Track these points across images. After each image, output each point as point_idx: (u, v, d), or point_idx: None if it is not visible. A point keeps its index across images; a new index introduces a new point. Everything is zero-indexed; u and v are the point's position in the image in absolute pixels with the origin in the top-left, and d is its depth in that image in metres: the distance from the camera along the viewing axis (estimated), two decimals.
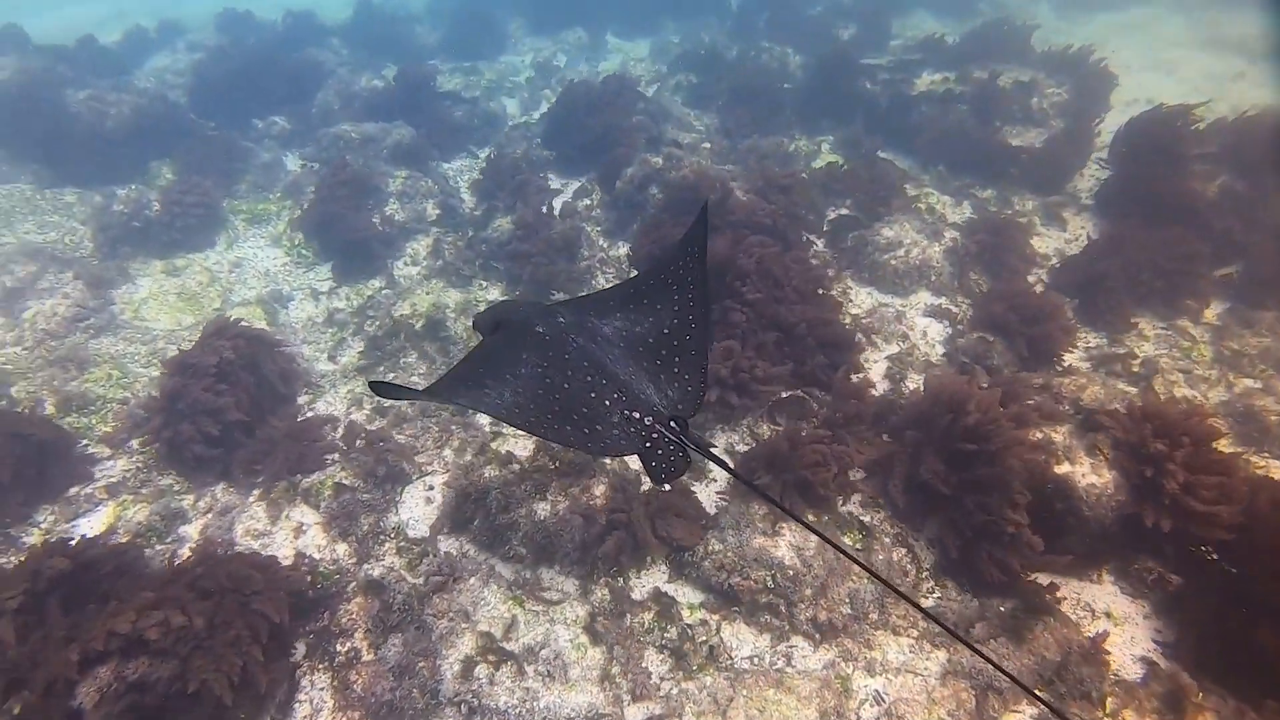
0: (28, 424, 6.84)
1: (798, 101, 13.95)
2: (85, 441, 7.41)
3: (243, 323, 8.02)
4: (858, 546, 5.96)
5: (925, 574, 5.93)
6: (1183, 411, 5.78)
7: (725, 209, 9.06)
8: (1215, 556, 5.32)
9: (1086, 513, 5.59)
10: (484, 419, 7.47)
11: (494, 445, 7.02)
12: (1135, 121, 10.33)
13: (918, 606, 2.61)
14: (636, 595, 5.94)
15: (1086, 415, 6.23)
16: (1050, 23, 18.47)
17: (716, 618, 5.78)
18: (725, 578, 5.82)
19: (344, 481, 6.75)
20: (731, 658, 5.54)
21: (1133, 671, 5.20)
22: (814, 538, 5.88)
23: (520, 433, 7.18)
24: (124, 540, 6.26)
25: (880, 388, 7.68)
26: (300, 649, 5.61)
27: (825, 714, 5.12)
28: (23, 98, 12.29)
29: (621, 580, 6.02)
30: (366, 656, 5.50)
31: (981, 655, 2.84)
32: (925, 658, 5.43)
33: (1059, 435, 6.08)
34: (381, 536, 6.46)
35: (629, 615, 5.77)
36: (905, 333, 8.33)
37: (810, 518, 6.05)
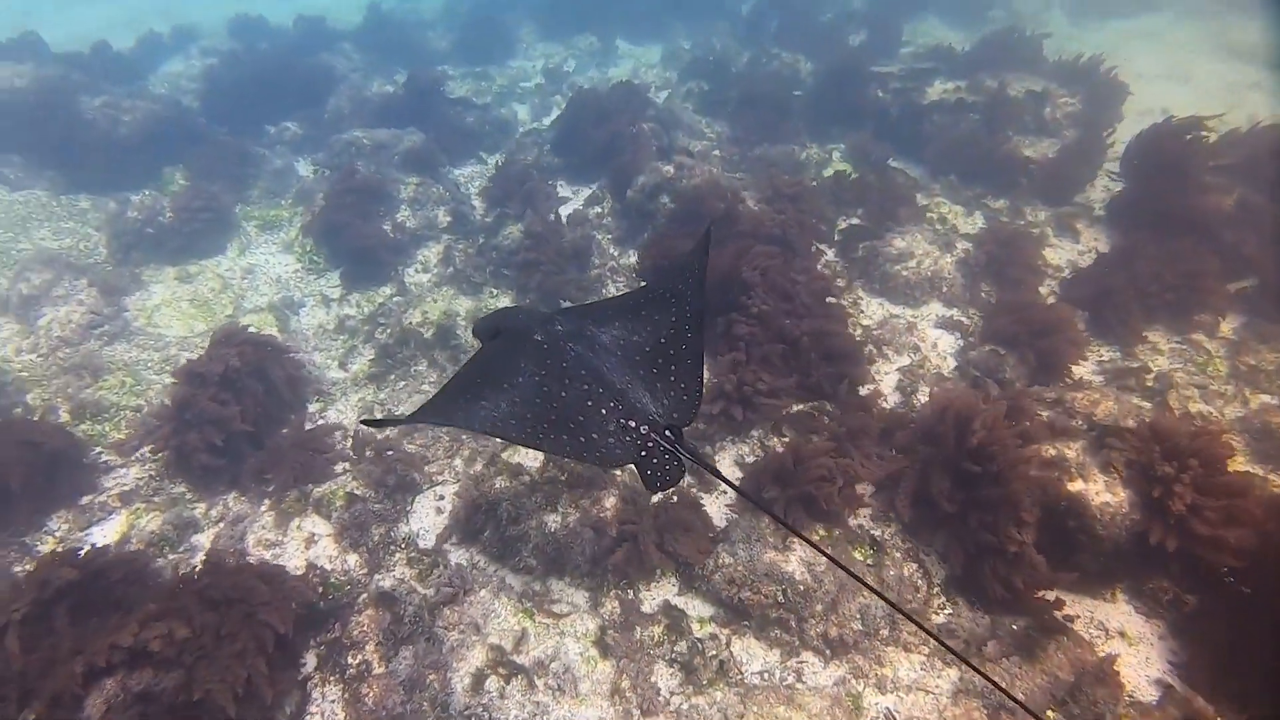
0: (38, 432, 6.86)
1: (809, 109, 13.94)
2: (99, 449, 7.45)
3: (251, 330, 8.07)
4: (869, 562, 5.94)
5: (936, 590, 5.89)
6: (1192, 432, 5.74)
7: (732, 219, 9.06)
8: (1231, 578, 5.27)
9: (1100, 531, 5.55)
10: None
11: (504, 456, 7.01)
12: (1147, 133, 10.25)
13: (921, 626, 2.60)
14: (646, 608, 5.94)
15: (1100, 431, 6.19)
16: (1063, 29, 18.46)
17: (726, 632, 5.77)
18: (735, 592, 5.81)
19: (355, 491, 6.76)
20: (742, 673, 5.53)
21: (1147, 694, 5.15)
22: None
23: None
24: (137, 549, 6.31)
25: (891, 400, 7.66)
26: (311, 661, 5.62)
27: None
28: (39, 105, 12.37)
29: (631, 593, 6.02)
30: (378, 669, 5.51)
31: (985, 678, 2.82)
32: (937, 675, 5.40)
33: (1072, 451, 6.04)
34: (392, 547, 6.48)
35: (639, 628, 5.76)
36: (917, 344, 8.30)
37: (821, 532, 6.03)
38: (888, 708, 5.26)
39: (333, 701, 5.40)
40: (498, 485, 6.66)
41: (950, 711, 5.17)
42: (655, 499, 6.43)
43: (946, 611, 5.79)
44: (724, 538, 6.13)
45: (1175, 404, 7.22)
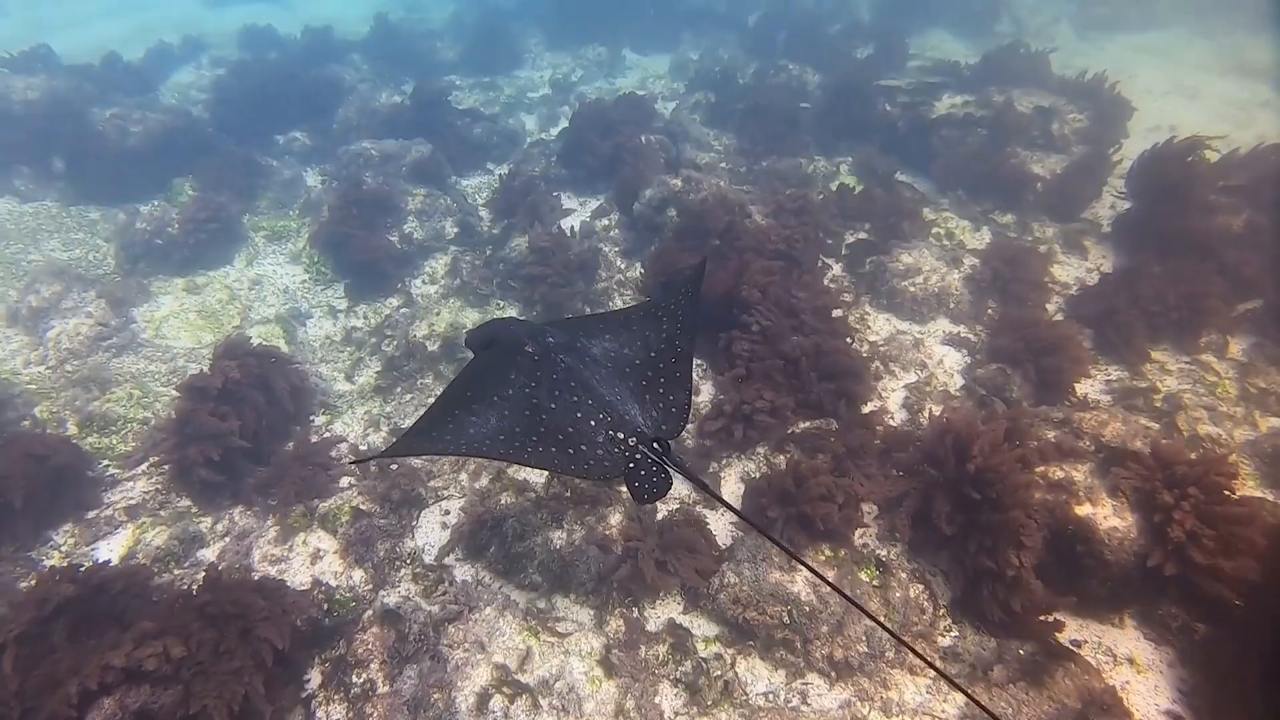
0: (43, 446, 6.85)
1: (816, 122, 13.94)
2: (105, 462, 7.47)
3: (255, 342, 8.08)
4: (874, 583, 5.92)
5: (943, 611, 5.87)
6: (1194, 459, 5.73)
7: (737, 234, 9.05)
8: (1238, 603, 5.24)
9: (1108, 556, 5.53)
10: None
11: (510, 472, 7.01)
12: (1150, 154, 10.21)
13: (920, 655, 2.59)
14: (651, 627, 5.93)
15: (1108, 453, 6.17)
16: (1070, 44, 18.47)
17: (731, 652, 5.75)
18: (741, 611, 5.79)
19: (361, 507, 6.76)
20: (746, 694, 5.50)
21: None
22: (830, 574, 5.87)
23: None
24: (141, 563, 6.31)
25: (898, 417, 7.64)
26: (316, 678, 5.62)
27: None
28: (49, 117, 12.44)
29: (636, 611, 6.00)
30: (382, 689, 5.51)
31: (983, 708, 2.81)
32: (943, 700, 5.37)
33: (1079, 474, 6.02)
34: (397, 562, 6.48)
35: (644, 647, 5.74)
36: (923, 361, 8.27)
37: (827, 552, 6.01)
38: None
39: None
40: (503, 501, 6.67)
41: None
42: (659, 516, 6.45)
43: (953, 634, 5.77)
44: (729, 556, 6.12)
45: (1184, 426, 7.19)
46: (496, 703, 5.40)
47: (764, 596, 5.76)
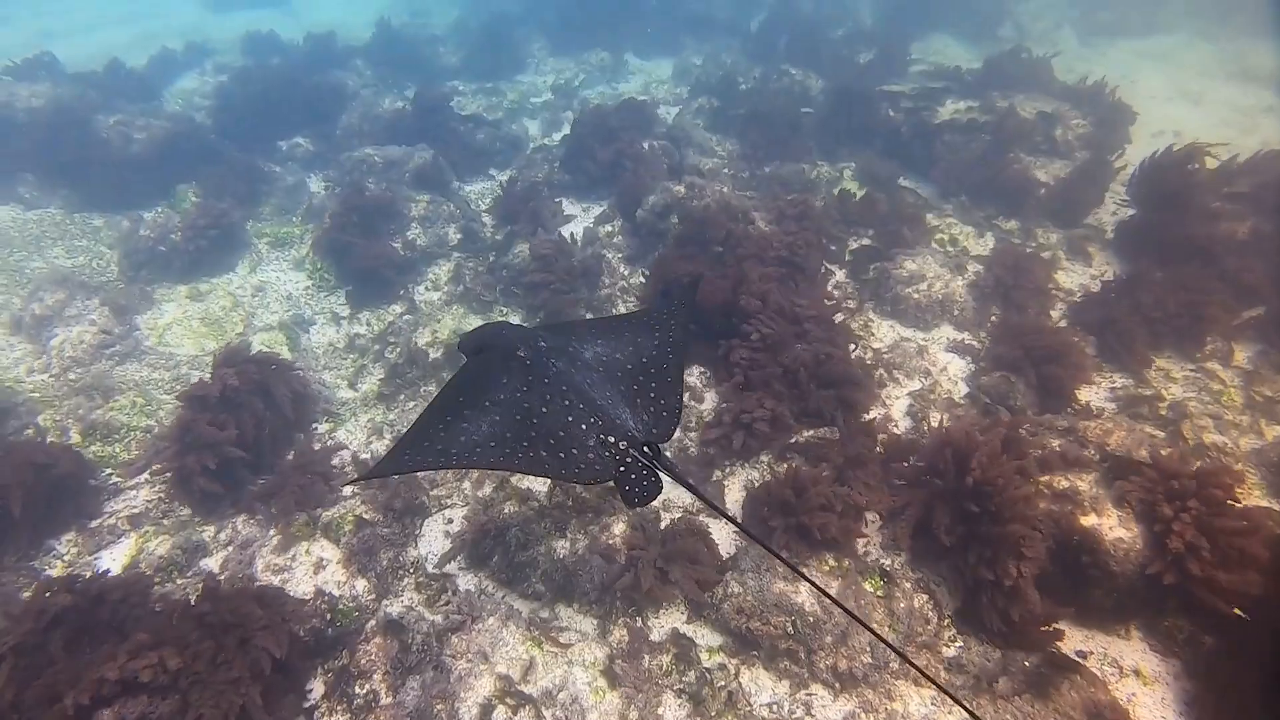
0: (44, 454, 6.84)
1: (820, 127, 13.92)
2: (109, 471, 7.46)
3: (255, 349, 8.06)
4: (879, 593, 5.89)
5: (947, 622, 5.84)
6: (1195, 471, 5.70)
7: (734, 242, 9.02)
8: (1238, 615, 5.20)
9: (1114, 567, 5.50)
10: None
11: (513, 480, 7.00)
12: (1152, 160, 10.17)
13: (916, 665, 2.57)
14: (655, 637, 5.90)
15: (1113, 463, 6.15)
16: (1073, 49, 18.48)
17: (735, 662, 5.73)
18: (744, 622, 5.76)
19: (364, 516, 6.75)
20: (750, 704, 5.48)
21: None
22: (835, 584, 5.85)
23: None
24: (145, 572, 6.30)
25: (902, 425, 7.62)
26: (319, 689, 5.61)
27: None
28: (53, 124, 12.45)
29: (640, 621, 5.98)
30: (385, 700, 5.49)
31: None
32: (948, 711, 5.34)
33: (1085, 484, 5.99)
34: (401, 571, 6.46)
35: (647, 657, 5.72)
36: (928, 368, 8.26)
37: (831, 562, 5.98)
38: None
39: None
40: (507, 510, 6.66)
41: None
42: (663, 525, 6.44)
43: (957, 645, 5.74)
44: (733, 566, 6.10)
45: (1189, 434, 7.16)
46: (499, 714, 5.40)
47: (768, 606, 5.74)
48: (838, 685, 5.52)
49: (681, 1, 21.66)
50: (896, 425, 7.58)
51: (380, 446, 7.95)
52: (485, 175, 13.80)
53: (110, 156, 12.34)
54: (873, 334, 8.79)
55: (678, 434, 7.43)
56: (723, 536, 6.44)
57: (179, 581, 6.36)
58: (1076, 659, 5.50)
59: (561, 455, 3.87)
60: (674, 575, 5.91)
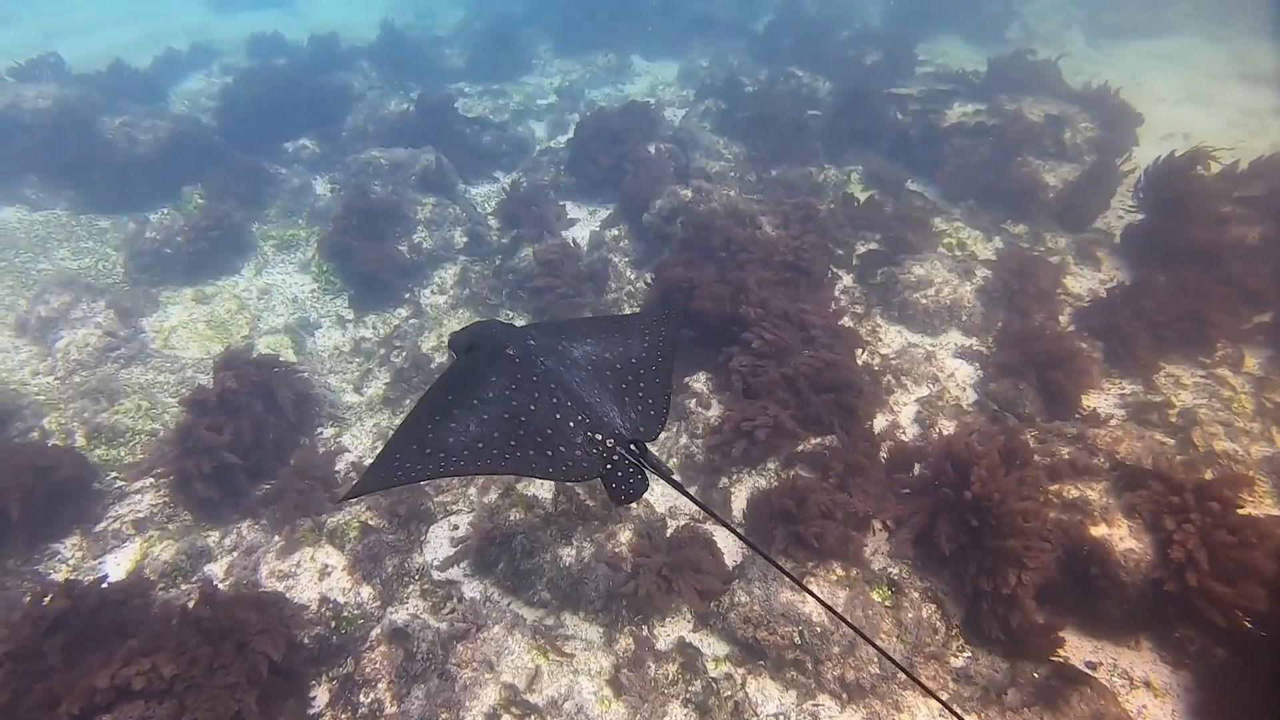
0: (45, 457, 6.81)
1: (827, 130, 13.86)
2: (114, 474, 7.45)
3: (257, 352, 8.04)
4: (887, 603, 5.84)
5: (955, 632, 5.80)
6: (1197, 481, 5.66)
7: (737, 247, 8.97)
8: (1240, 625, 5.15)
9: (1124, 578, 5.44)
10: None
11: (519, 487, 6.97)
12: (1158, 165, 10.10)
13: (920, 684, 2.54)
14: (661, 645, 5.88)
15: (1123, 471, 6.09)
16: (1081, 51, 18.42)
17: (742, 672, 5.70)
18: (751, 631, 5.74)
19: (370, 522, 6.73)
20: (757, 715, 5.45)
21: None
22: (843, 593, 5.80)
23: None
24: (148, 577, 6.28)
25: (910, 432, 7.57)
26: (323, 697, 5.59)
27: None
28: (59, 125, 12.46)
29: (646, 629, 5.96)
30: (390, 709, 5.47)
31: None
32: None
33: (1095, 493, 5.94)
34: (406, 578, 6.45)
35: (653, 666, 5.70)
36: (935, 375, 8.20)
37: (839, 571, 5.93)
38: None
39: None
40: (512, 518, 6.62)
41: None
42: (668, 533, 6.41)
43: (965, 655, 5.70)
44: (740, 575, 6.07)
45: (1199, 442, 7.10)
46: None
47: (774, 616, 5.71)
48: (845, 696, 5.49)
49: (685, 2, 21.57)
50: (904, 432, 7.53)
51: None
52: (491, 178, 13.78)
53: (116, 158, 12.36)
54: (880, 339, 8.74)
55: (684, 441, 7.40)
56: (729, 545, 6.40)
57: (183, 587, 6.34)
58: (1086, 670, 5.45)
59: (549, 453, 3.89)
60: (677, 585, 5.88)
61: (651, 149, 12.67)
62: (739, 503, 6.76)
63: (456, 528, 6.89)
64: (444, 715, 5.39)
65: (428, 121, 14.10)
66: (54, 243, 11.26)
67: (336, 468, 7.49)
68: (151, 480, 7.32)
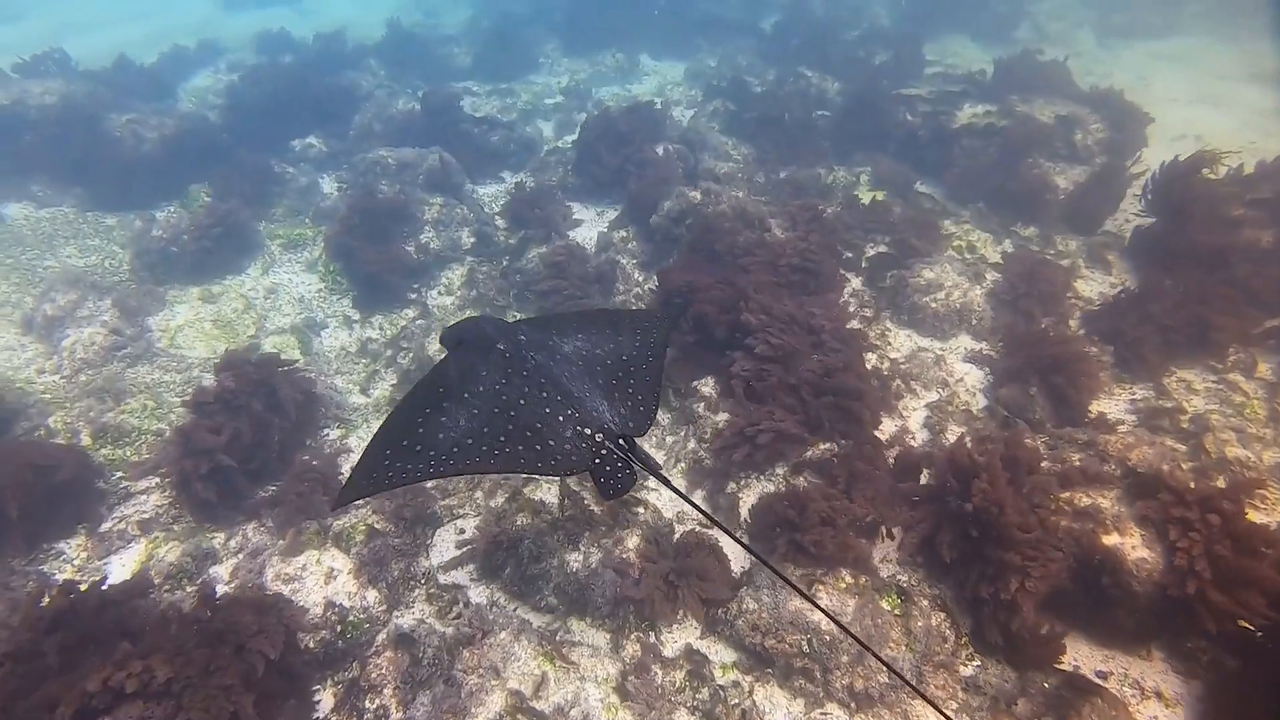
0: (45, 455, 6.77)
1: (836, 130, 13.80)
2: (119, 474, 7.42)
3: (259, 352, 7.99)
4: (896, 612, 5.80)
5: (965, 640, 5.76)
6: (1203, 491, 5.62)
7: (742, 250, 8.92)
8: (1255, 633, 5.10)
9: (1136, 588, 5.40)
10: None
11: (526, 492, 6.93)
12: (1167, 167, 10.03)
13: (924, 697, 2.50)
14: (668, 652, 5.85)
15: (1135, 479, 6.04)
16: (1091, 51, 18.32)
17: (749, 679, 5.67)
18: (759, 639, 5.71)
19: (376, 526, 6.70)
20: None
21: None
22: (852, 601, 5.75)
23: (547, 480, 7.12)
24: (154, 579, 6.26)
25: (919, 437, 7.52)
26: (329, 702, 5.56)
27: None
28: (65, 122, 12.45)
29: (653, 636, 5.92)
30: (395, 715, 5.44)
31: None
32: None
33: (1107, 501, 5.90)
34: (412, 582, 6.43)
35: (660, 673, 5.66)
36: (945, 379, 8.14)
37: (847, 579, 5.88)
38: None
39: None
40: (519, 522, 6.58)
41: None
42: (675, 538, 6.38)
43: (975, 664, 5.66)
44: (748, 582, 6.03)
45: (1211, 448, 7.02)
46: None
47: (783, 624, 5.67)
48: (853, 705, 5.45)
49: (694, 1, 21.48)
50: (914, 438, 7.48)
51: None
52: (499, 178, 13.72)
53: (122, 155, 12.35)
54: (890, 343, 8.69)
55: (692, 445, 7.36)
56: (736, 550, 6.37)
57: (188, 589, 6.32)
58: (1097, 680, 5.41)
59: (538, 447, 3.92)
60: (681, 592, 5.84)
61: (660, 150, 12.62)
62: (746, 509, 6.71)
63: (463, 531, 6.86)
64: None
65: (435, 121, 14.04)
66: (60, 240, 11.25)
67: (341, 470, 7.45)
68: (157, 481, 7.29)
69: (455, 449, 3.90)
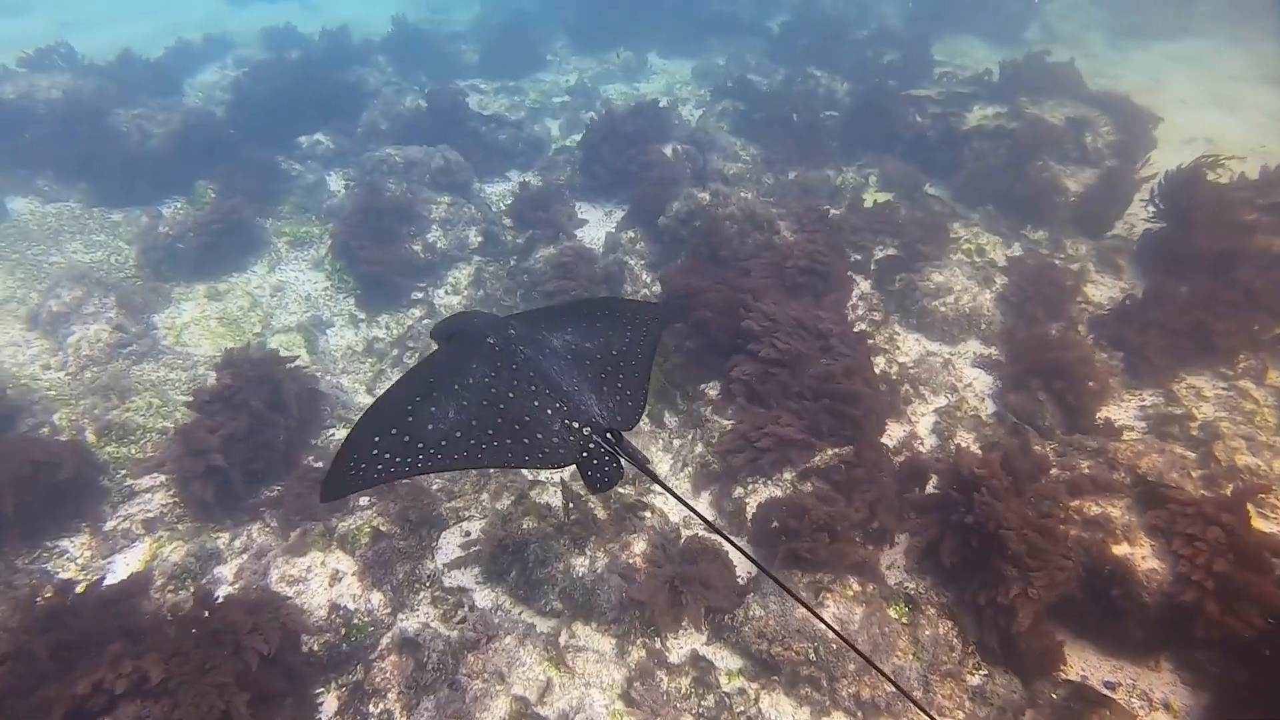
0: (45, 452, 6.73)
1: (845, 131, 13.76)
2: (124, 472, 7.40)
3: (263, 350, 7.96)
4: (903, 620, 5.76)
5: (972, 649, 5.71)
6: (1207, 502, 5.57)
7: (744, 254, 8.89)
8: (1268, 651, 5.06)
9: (1146, 599, 5.36)
10: None
11: (532, 495, 6.90)
12: (1175, 173, 9.93)
13: (925, 710, 2.46)
14: (673, 658, 5.82)
15: (1145, 488, 6.00)
16: (1102, 53, 18.21)
17: (755, 687, 5.64)
18: (766, 646, 5.68)
19: (381, 528, 6.67)
20: None
21: None
22: (859, 609, 5.72)
23: (550, 481, 7.10)
24: (156, 579, 6.24)
25: (928, 443, 7.48)
26: (332, 705, 5.54)
27: None
28: (71, 116, 12.44)
29: (658, 642, 5.89)
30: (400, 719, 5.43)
31: None
32: None
33: (1116, 510, 5.86)
34: (417, 585, 6.39)
35: (665, 679, 5.64)
36: (953, 384, 8.10)
37: (855, 587, 5.85)
38: None
39: None
40: (525, 526, 6.55)
41: None
42: (680, 543, 6.35)
43: (981, 673, 5.62)
44: (754, 589, 6.00)
45: (1221, 456, 6.97)
46: None
47: (789, 631, 5.64)
48: (860, 714, 5.43)
49: (704, 0, 21.42)
50: (922, 443, 7.44)
51: None
52: (506, 177, 13.67)
53: (128, 150, 12.32)
54: (898, 347, 8.64)
55: (700, 449, 7.34)
56: (740, 557, 6.32)
57: (192, 589, 6.29)
58: (1105, 691, 5.37)
59: (526, 441, 3.92)
60: (684, 599, 5.82)
61: (668, 150, 12.58)
62: (752, 513, 6.68)
63: (468, 534, 6.83)
64: None
65: (442, 118, 13.99)
66: (66, 235, 11.23)
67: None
68: (162, 479, 7.27)
69: (443, 442, 3.88)
